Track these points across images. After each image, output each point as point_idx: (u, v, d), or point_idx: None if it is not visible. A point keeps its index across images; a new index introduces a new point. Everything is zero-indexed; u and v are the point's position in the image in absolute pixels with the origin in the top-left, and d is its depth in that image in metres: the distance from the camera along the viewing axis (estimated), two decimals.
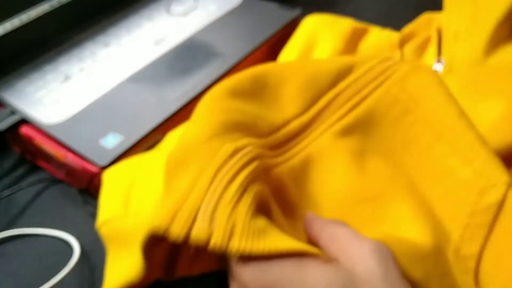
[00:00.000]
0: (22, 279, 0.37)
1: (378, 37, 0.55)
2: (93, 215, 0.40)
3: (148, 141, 0.42)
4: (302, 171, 0.30)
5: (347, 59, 0.32)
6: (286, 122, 0.30)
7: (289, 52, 0.52)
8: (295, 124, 0.30)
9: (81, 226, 0.40)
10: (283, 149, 0.29)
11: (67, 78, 0.50)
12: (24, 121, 0.45)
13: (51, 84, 0.49)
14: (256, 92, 0.30)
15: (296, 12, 0.57)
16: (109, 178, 0.36)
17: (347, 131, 0.30)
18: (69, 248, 0.39)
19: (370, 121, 0.30)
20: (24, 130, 0.44)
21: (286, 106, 0.30)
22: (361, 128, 0.30)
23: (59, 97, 0.47)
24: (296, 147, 0.30)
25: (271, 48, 0.55)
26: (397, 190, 0.29)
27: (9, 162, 0.48)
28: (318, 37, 0.53)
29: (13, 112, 0.45)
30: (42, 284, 0.35)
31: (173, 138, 0.38)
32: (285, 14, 0.57)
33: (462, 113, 0.29)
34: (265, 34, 0.54)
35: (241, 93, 0.30)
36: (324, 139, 0.30)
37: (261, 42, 0.53)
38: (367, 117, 0.30)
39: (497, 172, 0.26)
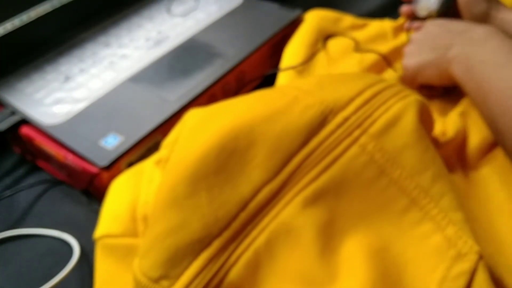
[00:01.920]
0: (23, 279, 0.37)
1: (375, 28, 0.56)
2: (93, 216, 0.40)
3: (148, 142, 0.42)
4: (266, 252, 0.27)
5: (321, 106, 0.29)
6: (256, 192, 0.27)
7: (296, 47, 0.52)
8: (265, 193, 0.27)
9: (81, 226, 0.40)
10: (249, 227, 0.27)
11: (67, 78, 0.50)
12: (24, 121, 0.45)
13: (51, 84, 0.49)
14: (222, 164, 0.28)
15: (297, 12, 0.57)
16: (114, 190, 0.35)
17: (317, 197, 0.28)
18: (69, 248, 0.39)
19: (342, 184, 0.28)
20: (25, 130, 0.44)
21: (255, 172, 0.28)
22: (332, 192, 0.28)
23: (59, 97, 0.47)
24: (262, 222, 0.27)
25: (272, 49, 0.55)
26: (359, 266, 0.27)
27: (9, 163, 0.48)
28: (322, 33, 0.54)
29: (13, 112, 0.45)
30: (43, 284, 0.35)
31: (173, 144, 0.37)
32: (286, 15, 0.57)
33: (439, 176, 0.28)
34: (266, 35, 0.54)
35: (204, 176, 0.28)
36: (291, 210, 0.27)
37: (262, 42, 0.53)
38: (339, 179, 0.28)
39: (469, 241, 0.26)
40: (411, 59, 0.46)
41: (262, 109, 0.30)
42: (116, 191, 0.35)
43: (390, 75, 0.49)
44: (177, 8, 0.61)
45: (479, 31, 0.39)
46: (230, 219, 0.27)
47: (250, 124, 0.29)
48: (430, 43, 0.44)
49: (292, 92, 0.31)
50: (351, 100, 0.30)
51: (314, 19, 0.55)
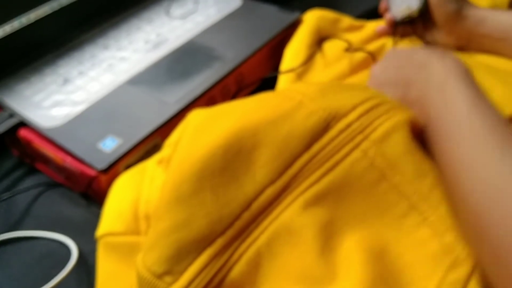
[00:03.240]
0: (21, 281, 0.37)
1: (372, 29, 0.57)
2: (91, 218, 0.40)
3: (146, 144, 0.42)
4: (268, 251, 0.28)
5: (324, 113, 0.30)
6: (259, 192, 0.28)
7: (296, 48, 0.53)
8: (268, 193, 0.28)
9: (79, 229, 0.40)
10: (252, 226, 0.28)
11: (66, 81, 0.50)
12: (23, 124, 0.45)
13: (50, 87, 0.49)
14: (227, 163, 0.28)
15: (296, 15, 0.57)
16: (116, 189, 0.35)
17: (319, 199, 0.28)
18: (67, 250, 0.39)
19: (343, 187, 0.29)
20: (23, 133, 0.44)
21: (259, 173, 0.29)
22: (333, 195, 0.29)
23: (58, 100, 0.47)
24: (264, 221, 0.28)
25: (271, 51, 0.55)
26: (357, 266, 0.27)
27: (8, 165, 0.48)
28: (321, 34, 0.55)
29: (12, 115, 0.45)
30: (41, 286, 0.35)
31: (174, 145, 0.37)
32: (285, 17, 0.57)
33: (437, 184, 0.29)
34: (265, 37, 0.54)
35: (209, 175, 0.28)
36: (292, 211, 0.28)
37: (261, 45, 0.53)
38: (340, 183, 0.29)
39: (466, 249, 0.27)
40: None
41: (268, 112, 0.30)
42: (118, 190, 0.35)
43: None
44: (176, 11, 0.61)
45: (438, 68, 0.34)
46: (234, 218, 0.28)
47: (256, 126, 0.30)
48: (390, 78, 0.40)
49: (297, 97, 0.31)
50: (354, 108, 0.31)
51: (313, 19, 0.55)
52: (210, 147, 0.28)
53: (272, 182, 0.28)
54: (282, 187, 0.28)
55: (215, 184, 0.28)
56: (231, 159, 0.29)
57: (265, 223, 0.28)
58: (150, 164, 0.35)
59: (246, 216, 0.28)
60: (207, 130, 0.30)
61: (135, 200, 0.33)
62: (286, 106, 0.31)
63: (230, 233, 0.27)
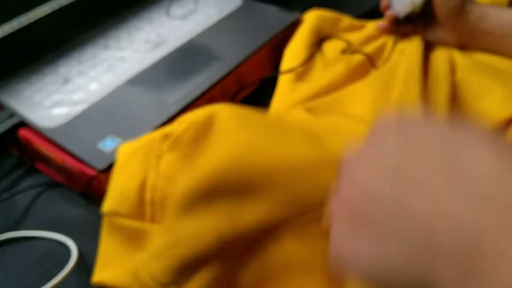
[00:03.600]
0: (21, 281, 0.37)
1: (372, 29, 0.57)
2: (91, 218, 0.40)
3: None
4: (274, 267, 0.28)
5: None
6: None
7: (296, 48, 0.53)
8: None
9: (79, 228, 0.40)
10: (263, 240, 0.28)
11: (66, 81, 0.50)
12: (23, 123, 0.45)
13: (50, 87, 0.49)
14: (247, 178, 0.28)
15: (296, 15, 0.57)
16: (123, 162, 0.34)
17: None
18: (67, 250, 0.39)
19: None
20: (23, 133, 0.44)
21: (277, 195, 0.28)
22: None
23: (58, 100, 0.47)
24: (276, 236, 0.28)
25: (271, 51, 0.55)
26: None
27: (7, 165, 0.48)
28: (322, 34, 0.54)
29: (12, 114, 0.45)
30: (41, 286, 0.35)
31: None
32: (285, 17, 0.57)
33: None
34: (265, 37, 0.54)
35: (226, 187, 0.28)
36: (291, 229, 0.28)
37: (261, 45, 0.53)
38: None
39: None
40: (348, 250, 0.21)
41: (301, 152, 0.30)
42: (124, 165, 0.34)
43: (374, 75, 0.49)
44: (176, 11, 0.61)
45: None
46: (245, 233, 0.27)
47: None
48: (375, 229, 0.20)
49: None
50: None
51: (313, 19, 0.55)
52: (233, 156, 0.28)
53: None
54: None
55: (229, 197, 0.28)
56: (253, 174, 0.28)
57: (276, 237, 0.28)
58: (156, 138, 0.33)
59: (258, 231, 0.28)
60: (241, 137, 0.29)
61: (141, 183, 0.32)
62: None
63: (239, 246, 0.27)
